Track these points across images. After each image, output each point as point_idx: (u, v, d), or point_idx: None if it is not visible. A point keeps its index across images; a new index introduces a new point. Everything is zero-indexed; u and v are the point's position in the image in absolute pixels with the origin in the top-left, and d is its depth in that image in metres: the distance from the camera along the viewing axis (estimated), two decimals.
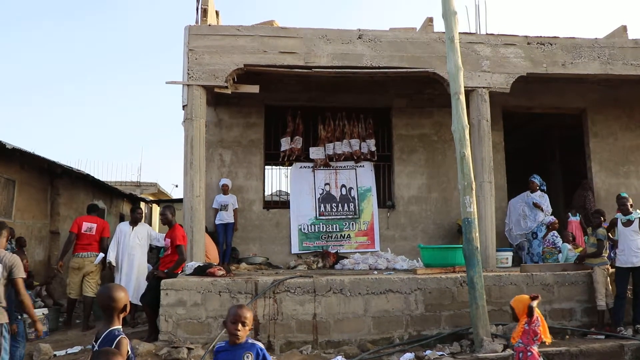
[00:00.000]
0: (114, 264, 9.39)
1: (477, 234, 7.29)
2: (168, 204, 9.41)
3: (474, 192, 7.37)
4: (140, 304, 8.69)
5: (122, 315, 3.41)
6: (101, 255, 9.53)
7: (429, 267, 8.73)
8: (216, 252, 10.43)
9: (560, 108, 13.24)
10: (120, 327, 3.40)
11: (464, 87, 9.82)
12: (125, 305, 3.43)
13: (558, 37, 10.71)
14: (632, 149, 13.09)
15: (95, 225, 9.70)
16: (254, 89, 10.21)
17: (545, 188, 11.72)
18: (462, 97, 7.65)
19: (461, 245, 9.11)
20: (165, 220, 8.43)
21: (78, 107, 60.63)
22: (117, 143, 58.56)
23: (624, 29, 12.33)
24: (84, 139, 54.97)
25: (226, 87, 9.81)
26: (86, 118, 59.53)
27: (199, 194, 9.42)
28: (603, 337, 7.86)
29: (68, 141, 54.77)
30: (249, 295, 7.36)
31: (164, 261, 8.27)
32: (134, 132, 61.54)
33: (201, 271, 8.27)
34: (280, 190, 17.09)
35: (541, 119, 15.11)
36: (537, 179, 11.54)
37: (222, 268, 8.32)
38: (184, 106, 9.67)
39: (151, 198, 23.99)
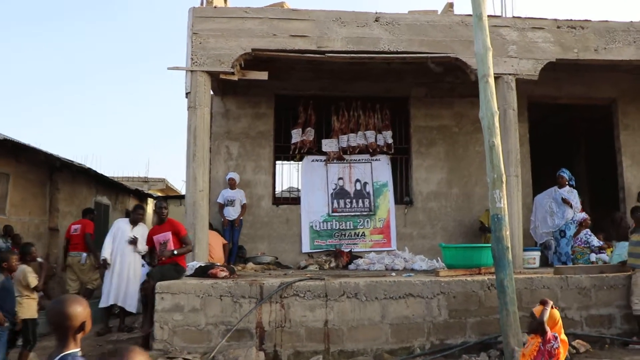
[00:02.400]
0: (108, 261, 8.72)
1: (508, 232, 6.53)
2: (160, 198, 8.78)
3: (504, 185, 6.62)
4: (128, 310, 8.14)
5: (79, 336, 2.66)
6: (85, 254, 9.68)
7: (451, 268, 7.99)
8: (221, 250, 9.75)
9: (589, 98, 12.51)
10: (78, 350, 2.64)
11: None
12: (84, 323, 2.67)
13: (590, 21, 10.02)
14: None
15: (80, 225, 10.00)
16: (263, 75, 9.59)
17: (574, 183, 10.93)
18: (491, 81, 6.89)
19: (487, 245, 8.43)
20: (164, 216, 7.73)
21: (85, 104, 60.18)
22: (125, 138, 58.08)
23: None
24: (92, 135, 54.43)
25: (232, 73, 9.24)
26: (95, 114, 59.09)
27: (202, 188, 8.82)
28: None
29: (76, 137, 54.31)
30: (254, 300, 6.65)
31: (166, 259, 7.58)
32: (143, 126, 61.03)
33: (202, 272, 7.61)
34: (291, 187, 16.47)
35: (566, 110, 14.42)
36: (566, 174, 10.76)
37: (225, 268, 7.63)
38: (187, 94, 9.12)
39: (159, 194, 23.37)
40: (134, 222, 8.95)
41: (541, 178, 12.39)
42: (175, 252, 7.25)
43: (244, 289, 6.69)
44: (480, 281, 7.13)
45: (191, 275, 7.67)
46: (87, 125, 55.89)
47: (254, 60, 9.49)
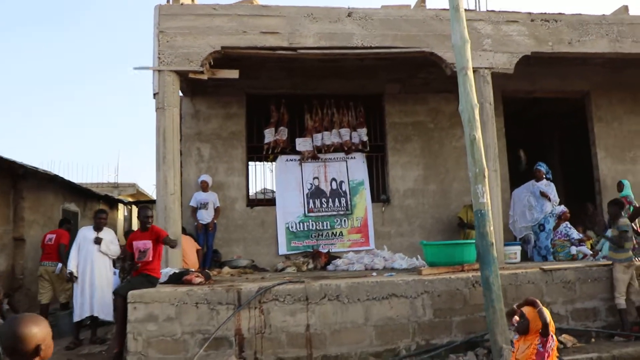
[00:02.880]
0: (75, 273, 8.16)
1: (492, 228, 6.36)
2: (145, 206, 8.37)
3: (486, 180, 6.44)
4: (105, 319, 7.78)
5: None
6: (59, 265, 9.30)
7: (433, 266, 7.79)
8: (195, 255, 9.44)
9: (563, 92, 12.53)
10: None
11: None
12: (39, 346, 2.34)
13: (563, 14, 9.99)
14: (637, 133, 12.42)
15: (55, 235, 9.78)
16: (233, 73, 9.31)
17: (551, 176, 10.86)
18: (470, 73, 6.72)
19: (469, 241, 8.27)
20: (149, 225, 7.43)
21: (52, 110, 59.08)
22: (93, 144, 57.05)
23: (625, 9, 11.49)
24: (59, 141, 53.38)
25: (202, 72, 8.95)
26: (61, 120, 57.98)
27: (174, 191, 8.50)
28: (633, 338, 7.00)
29: (43, 144, 53.20)
30: (231, 306, 6.37)
31: (146, 268, 7.23)
32: (111, 132, 60.03)
33: (177, 279, 7.30)
34: (265, 188, 16.17)
35: (539, 106, 14.43)
36: (543, 167, 10.70)
37: (200, 274, 7.33)
38: (154, 94, 8.79)
39: (130, 199, 22.91)
40: (97, 228, 8.42)
41: (516, 173, 12.32)
42: (168, 238, 7.25)
43: (220, 295, 6.40)
44: (465, 279, 6.95)
45: (165, 283, 7.37)
46: (55, 131, 54.81)
47: (224, 58, 9.22)
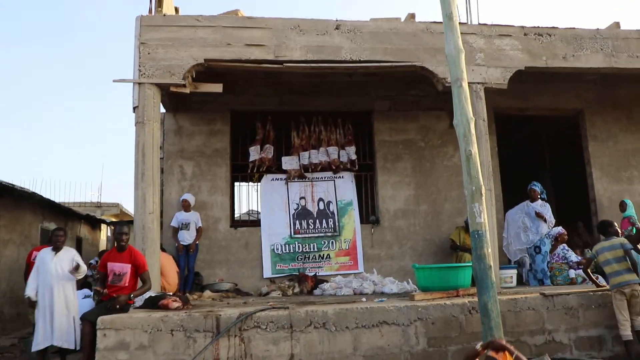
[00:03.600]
0: (33, 298, 7.36)
1: (490, 250, 5.94)
2: (121, 222, 7.79)
3: (483, 198, 6.04)
4: (69, 346, 7.13)
5: None
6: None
7: (426, 290, 7.36)
8: (176, 277, 8.95)
9: (556, 109, 12.21)
10: None
11: None
12: None
13: (557, 28, 9.74)
14: (633, 152, 12.04)
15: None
16: (217, 87, 8.98)
17: (545, 196, 10.50)
18: (465, 85, 6.36)
19: (463, 264, 7.87)
20: (124, 242, 6.91)
21: (35, 127, 58.38)
22: (77, 163, 56.34)
23: (616, 25, 11.26)
24: (42, 159, 52.61)
25: (184, 86, 8.61)
26: (44, 138, 57.29)
27: (153, 210, 8.06)
28: None
29: (25, 162, 52.47)
30: (209, 334, 5.89)
31: (119, 293, 6.69)
32: (96, 151, 59.34)
33: (153, 303, 6.81)
34: (251, 210, 15.73)
35: (530, 124, 14.19)
36: (537, 187, 10.33)
37: (177, 299, 6.84)
38: (134, 108, 8.40)
39: (113, 219, 22.38)
40: (55, 249, 7.60)
41: (507, 193, 11.96)
42: (132, 295, 6.43)
43: (198, 321, 5.92)
44: (461, 304, 6.50)
45: (140, 307, 6.88)
46: (39, 150, 54.08)
47: (207, 73, 8.90)
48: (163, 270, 8.36)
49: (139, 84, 8.34)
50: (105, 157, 59.20)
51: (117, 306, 6.25)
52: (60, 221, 16.35)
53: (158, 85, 8.40)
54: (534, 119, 13.50)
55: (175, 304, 6.67)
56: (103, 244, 21.58)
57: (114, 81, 8.51)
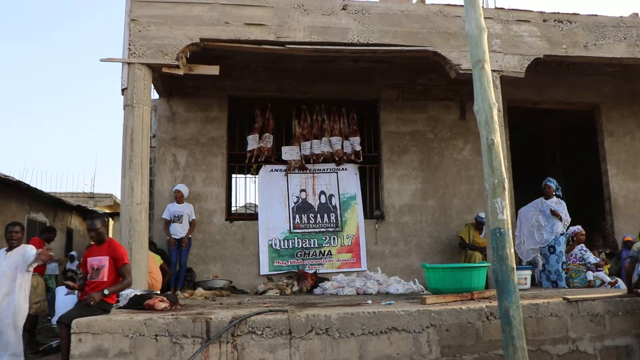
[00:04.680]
0: None
1: (512, 250, 5.33)
2: (94, 213, 7.01)
3: (506, 192, 5.42)
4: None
5: None
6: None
7: (437, 292, 6.74)
8: (159, 273, 8.35)
9: (572, 103, 11.68)
10: None
11: (469, 70, 8.27)
12: None
13: (578, 14, 9.20)
14: None
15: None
16: (213, 70, 8.43)
17: (560, 193, 9.88)
18: (488, 67, 5.72)
19: (479, 264, 7.27)
20: (99, 237, 6.18)
21: (31, 118, 57.55)
22: (71, 153, 55.45)
23: (635, 15, 10.71)
24: (37, 150, 51.76)
25: (177, 67, 8.04)
26: (36, 127, 56.40)
27: (141, 200, 7.49)
28: None
29: (20, 153, 51.64)
30: (198, 340, 5.25)
31: (97, 288, 6.00)
32: (90, 140, 58.48)
33: (137, 303, 6.18)
34: (249, 203, 15.15)
35: (542, 118, 13.54)
36: (553, 183, 9.70)
37: (165, 298, 6.21)
38: (123, 90, 7.86)
39: (107, 210, 21.76)
40: (9, 247, 6.56)
41: (515, 190, 11.38)
42: (107, 291, 5.75)
43: (185, 325, 5.28)
44: (478, 310, 5.86)
45: (125, 307, 6.26)
46: (34, 140, 53.32)
47: (203, 55, 8.34)
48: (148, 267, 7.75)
49: (129, 64, 7.80)
50: (100, 147, 58.42)
51: (91, 303, 5.59)
52: (50, 212, 15.85)
53: (149, 65, 7.84)
54: (546, 114, 12.99)
55: (162, 305, 6.04)
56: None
57: (101, 60, 7.94)
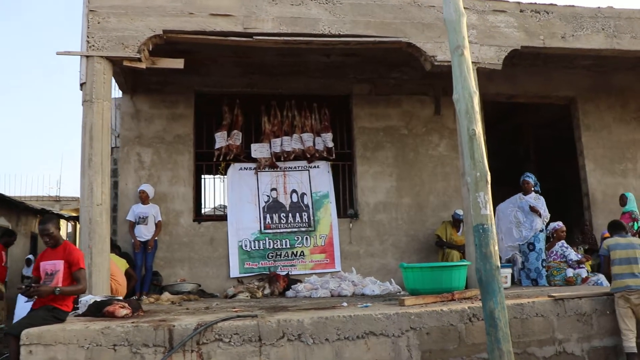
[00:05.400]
0: None
1: (496, 247, 5.01)
2: (46, 216, 6.45)
3: (489, 186, 5.11)
4: None
5: None
6: None
7: (416, 293, 6.42)
8: (123, 277, 7.92)
9: (547, 97, 11.51)
10: None
11: (445, 61, 8.07)
12: None
13: (555, 5, 9.02)
14: (627, 144, 11.39)
15: None
16: (178, 63, 8.01)
17: (539, 189, 9.65)
18: (467, 53, 5.40)
19: (459, 263, 6.97)
20: (54, 241, 5.70)
21: None
22: (34, 154, 54.04)
23: (611, 8, 10.58)
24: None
25: (139, 60, 7.62)
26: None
27: (101, 201, 7.04)
28: None
29: None
30: (160, 349, 4.84)
31: (52, 297, 5.53)
32: (53, 141, 57.06)
33: (97, 310, 5.74)
34: (221, 205, 14.77)
35: (516, 114, 13.36)
36: (531, 178, 9.47)
37: (126, 304, 5.78)
38: (81, 85, 7.43)
39: (73, 214, 21.11)
40: None
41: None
42: (58, 290, 5.28)
43: (146, 334, 4.86)
44: (460, 311, 5.54)
45: (83, 315, 5.81)
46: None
47: (168, 48, 7.98)
48: (111, 271, 7.30)
49: (87, 57, 7.36)
50: (65, 148, 57.12)
51: (35, 296, 5.11)
52: (12, 216, 15.21)
53: (109, 58, 7.43)
54: (521, 109, 12.86)
55: (123, 311, 5.61)
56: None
57: (58, 54, 7.50)
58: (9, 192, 16.55)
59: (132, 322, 5.05)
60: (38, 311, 5.18)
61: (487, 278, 4.90)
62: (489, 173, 5.14)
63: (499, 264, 4.99)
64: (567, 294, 6.06)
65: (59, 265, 5.46)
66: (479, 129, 5.21)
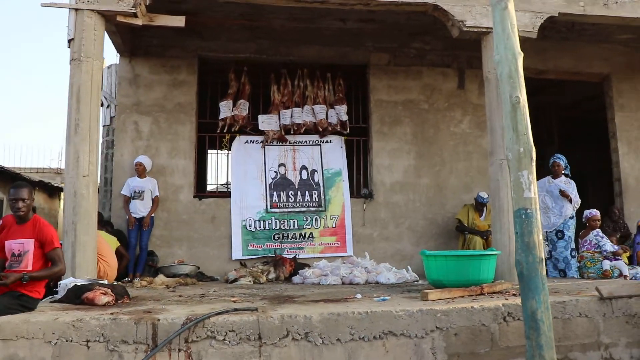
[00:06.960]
0: None
1: (541, 237, 4.25)
2: (18, 183, 5.61)
3: (533, 164, 4.33)
4: None
5: None
6: None
7: (439, 285, 5.67)
8: (114, 258, 7.25)
9: (579, 73, 10.73)
10: None
11: (475, 27, 7.34)
12: None
13: None
14: None
15: None
16: (178, 21, 7.37)
17: (569, 172, 8.88)
18: (512, 7, 4.59)
19: (489, 252, 6.20)
20: (26, 210, 4.91)
21: None
22: (35, 125, 53.32)
23: None
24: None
25: (135, 15, 6.91)
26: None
27: (88, 172, 6.38)
28: None
29: None
30: (142, 347, 4.10)
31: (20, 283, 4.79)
32: (54, 111, 56.25)
33: (75, 296, 5.03)
34: (228, 183, 14.22)
35: (539, 94, 12.58)
36: (562, 160, 8.74)
37: (109, 291, 5.05)
38: (69, 41, 6.72)
39: None
40: None
41: None
42: (27, 276, 4.52)
43: (126, 329, 4.12)
44: (493, 309, 4.77)
45: (60, 301, 5.12)
46: None
47: (170, 8, 7.45)
48: (100, 250, 6.60)
49: (76, 10, 6.65)
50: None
51: (3, 282, 4.36)
52: (7, 188, 14.62)
53: (100, 12, 6.72)
54: (546, 88, 12.00)
55: (105, 299, 4.89)
56: (62, 215, 19.82)
57: (43, 5, 6.73)
58: (7, 164, 15.89)
59: (111, 314, 4.31)
60: (2, 298, 4.43)
61: (530, 272, 4.15)
62: (534, 149, 4.36)
63: (544, 257, 4.24)
64: (614, 291, 5.26)
65: (29, 244, 4.67)
66: (523, 96, 4.43)
